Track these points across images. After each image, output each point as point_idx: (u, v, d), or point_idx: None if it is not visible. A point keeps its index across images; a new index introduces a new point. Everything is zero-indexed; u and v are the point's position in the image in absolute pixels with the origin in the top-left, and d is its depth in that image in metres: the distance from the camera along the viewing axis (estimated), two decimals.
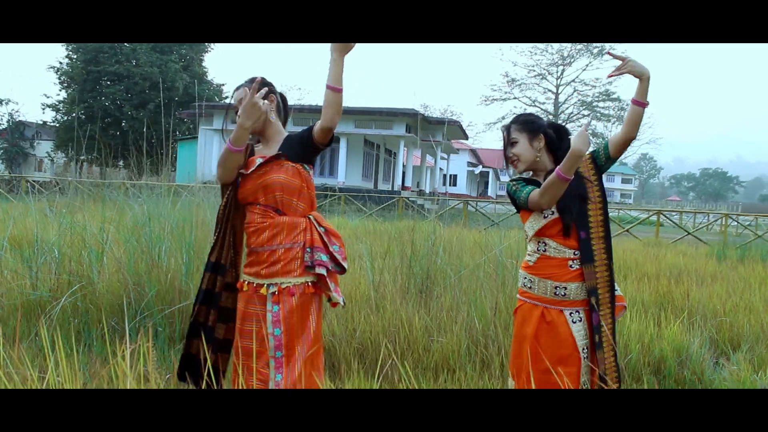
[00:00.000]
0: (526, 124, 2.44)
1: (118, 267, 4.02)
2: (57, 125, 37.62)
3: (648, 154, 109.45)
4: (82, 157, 14.46)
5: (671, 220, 19.81)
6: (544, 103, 45.41)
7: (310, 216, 2.32)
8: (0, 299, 3.82)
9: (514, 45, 43.52)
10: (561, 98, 45.01)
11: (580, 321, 2.34)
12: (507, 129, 2.47)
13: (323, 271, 2.22)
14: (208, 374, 2.09)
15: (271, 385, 2.20)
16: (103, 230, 4.36)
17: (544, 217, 2.36)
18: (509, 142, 2.45)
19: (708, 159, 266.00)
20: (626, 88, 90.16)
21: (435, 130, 27.83)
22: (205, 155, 25.07)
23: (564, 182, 2.20)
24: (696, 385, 3.62)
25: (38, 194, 7.69)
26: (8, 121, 46.48)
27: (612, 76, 2.36)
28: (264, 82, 2.35)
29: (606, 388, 2.26)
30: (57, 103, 37.01)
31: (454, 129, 28.25)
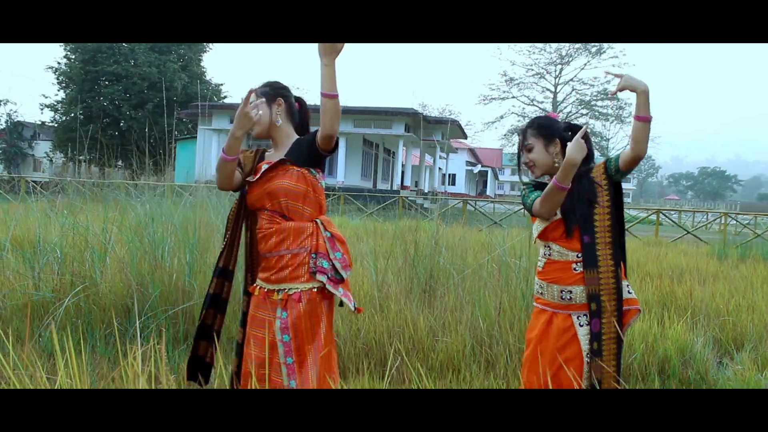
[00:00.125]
0: (542, 128, 2.41)
1: (121, 267, 4.02)
2: (55, 125, 37.49)
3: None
4: (81, 157, 14.42)
5: (670, 219, 19.83)
6: (542, 102, 45.39)
7: (317, 220, 2.29)
8: (3, 300, 3.81)
9: (512, 44, 43.51)
10: (559, 97, 44.95)
11: (588, 325, 2.33)
12: (523, 133, 2.44)
13: (323, 279, 2.20)
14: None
15: None
16: (105, 230, 4.35)
17: (548, 219, 2.36)
18: (525, 148, 2.42)
19: (706, 158, 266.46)
20: None
21: (434, 130, 27.84)
22: (204, 155, 25.03)
23: (561, 191, 2.20)
24: (700, 385, 3.62)
25: (39, 195, 7.67)
26: (7, 122, 46.46)
27: (614, 94, 2.35)
28: (275, 86, 2.36)
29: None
30: (55, 104, 36.86)
31: (452, 128, 28.27)
